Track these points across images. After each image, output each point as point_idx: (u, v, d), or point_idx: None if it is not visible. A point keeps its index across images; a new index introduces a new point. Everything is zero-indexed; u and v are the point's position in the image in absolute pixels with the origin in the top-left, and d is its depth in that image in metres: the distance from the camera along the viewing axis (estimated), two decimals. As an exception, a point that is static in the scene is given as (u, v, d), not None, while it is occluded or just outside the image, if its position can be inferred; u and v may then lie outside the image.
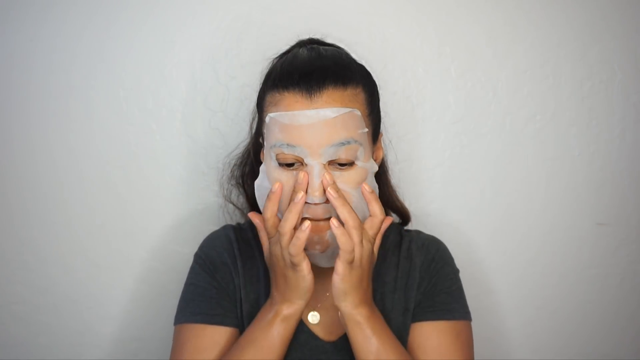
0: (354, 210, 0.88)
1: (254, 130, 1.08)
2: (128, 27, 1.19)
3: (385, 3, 1.22)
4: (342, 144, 0.88)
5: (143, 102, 1.20)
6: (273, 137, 0.90)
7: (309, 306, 1.01)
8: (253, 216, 0.96)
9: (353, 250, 0.87)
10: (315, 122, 0.87)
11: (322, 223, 0.90)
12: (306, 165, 0.89)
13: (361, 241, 0.88)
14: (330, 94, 0.89)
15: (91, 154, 1.21)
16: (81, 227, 1.22)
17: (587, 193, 1.28)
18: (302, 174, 0.88)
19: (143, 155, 1.21)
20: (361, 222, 0.89)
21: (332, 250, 0.92)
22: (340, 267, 0.88)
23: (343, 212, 0.87)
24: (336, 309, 0.93)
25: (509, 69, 1.25)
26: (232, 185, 1.14)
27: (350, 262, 0.88)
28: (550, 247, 1.29)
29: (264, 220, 0.92)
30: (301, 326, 0.99)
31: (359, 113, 0.90)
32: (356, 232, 0.87)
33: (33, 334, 1.23)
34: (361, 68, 0.97)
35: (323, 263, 0.94)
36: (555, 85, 1.26)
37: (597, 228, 1.29)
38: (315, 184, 0.88)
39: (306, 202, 0.89)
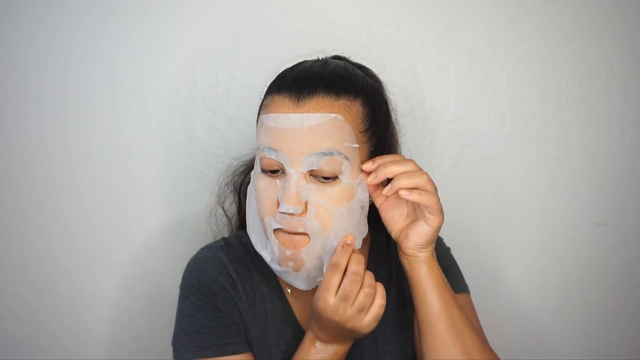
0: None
1: None
2: (128, 27, 1.19)
3: (385, 3, 1.22)
4: (324, 154, 0.82)
5: (143, 102, 1.20)
6: (259, 139, 0.87)
7: (302, 329, 0.97)
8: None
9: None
10: (298, 128, 0.82)
11: (296, 237, 0.85)
12: (285, 173, 0.84)
13: None
14: (319, 101, 0.83)
15: (91, 154, 1.20)
16: (81, 227, 1.22)
17: (586, 193, 1.29)
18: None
19: (142, 155, 1.21)
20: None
21: (307, 272, 0.86)
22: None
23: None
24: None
25: (509, 69, 1.25)
26: (229, 190, 1.10)
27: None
28: (549, 247, 1.29)
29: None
30: (302, 334, 0.94)
31: (342, 118, 0.83)
32: None
33: (33, 334, 1.23)
34: (366, 83, 0.90)
35: (298, 284, 0.88)
36: (555, 85, 1.26)
37: (597, 228, 1.29)
38: (291, 193, 0.82)
39: (280, 212, 0.84)
